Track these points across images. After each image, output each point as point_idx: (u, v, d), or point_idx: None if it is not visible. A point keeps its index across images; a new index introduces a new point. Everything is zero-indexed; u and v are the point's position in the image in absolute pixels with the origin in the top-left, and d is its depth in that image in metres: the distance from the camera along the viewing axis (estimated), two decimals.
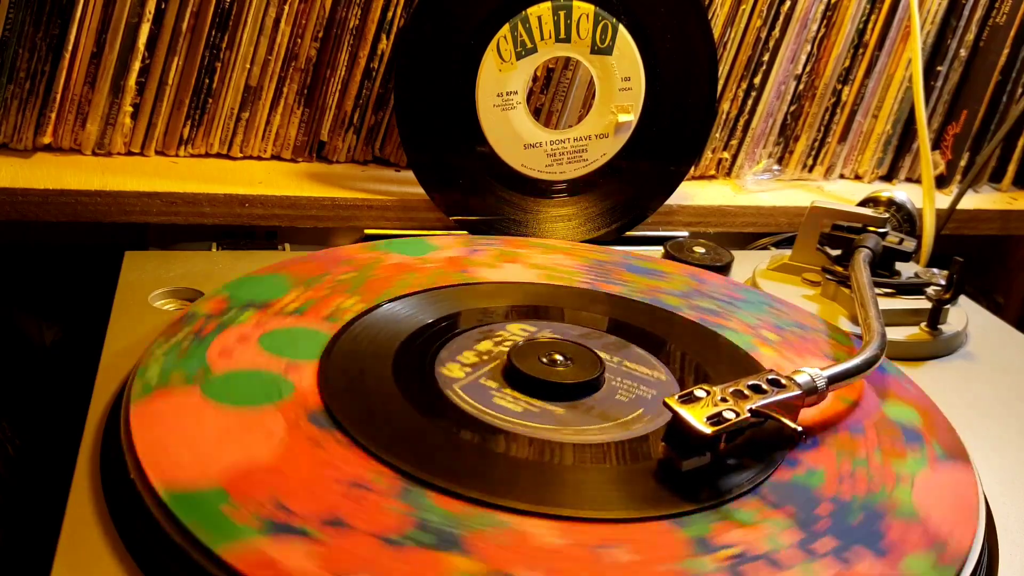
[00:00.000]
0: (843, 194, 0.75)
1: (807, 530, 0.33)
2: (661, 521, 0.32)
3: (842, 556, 0.32)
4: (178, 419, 0.35)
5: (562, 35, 0.61)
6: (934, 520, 0.34)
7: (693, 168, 0.74)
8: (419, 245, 0.54)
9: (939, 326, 0.53)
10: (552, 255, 0.55)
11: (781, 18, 0.70)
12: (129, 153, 0.63)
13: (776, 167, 0.76)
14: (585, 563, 0.30)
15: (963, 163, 0.80)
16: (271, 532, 0.30)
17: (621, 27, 0.61)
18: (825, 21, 0.72)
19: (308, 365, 0.40)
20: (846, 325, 0.52)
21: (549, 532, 0.31)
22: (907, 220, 0.67)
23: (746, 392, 0.36)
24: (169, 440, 0.34)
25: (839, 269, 0.56)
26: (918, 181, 0.80)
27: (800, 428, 0.36)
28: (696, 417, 0.34)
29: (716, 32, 0.68)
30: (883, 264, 0.56)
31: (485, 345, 0.43)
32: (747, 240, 0.72)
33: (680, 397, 0.35)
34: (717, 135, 0.73)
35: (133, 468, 0.33)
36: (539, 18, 0.60)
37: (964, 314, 0.55)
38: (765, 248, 0.70)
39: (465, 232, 0.61)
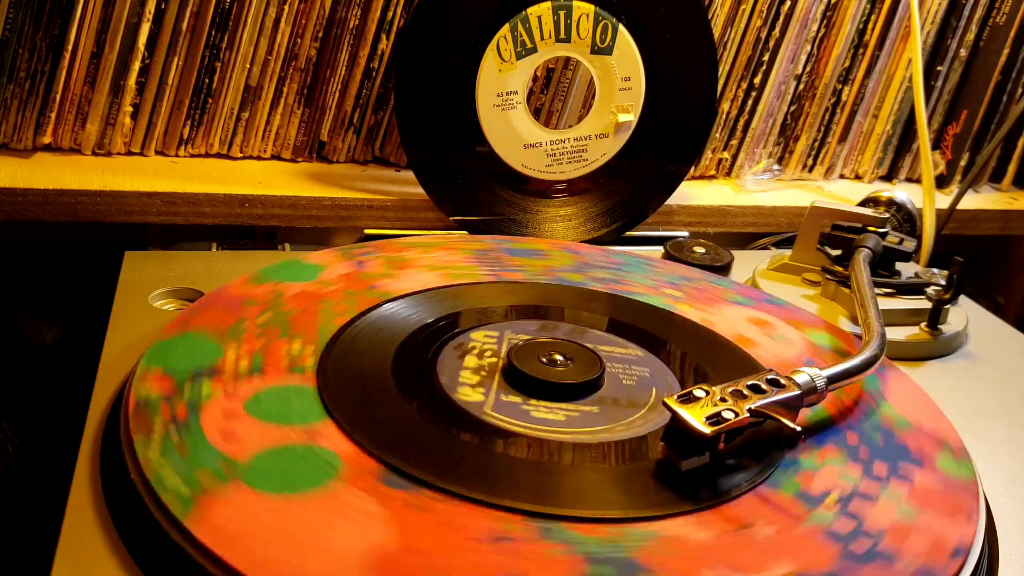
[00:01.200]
0: (843, 194, 0.75)
1: (857, 460, 0.37)
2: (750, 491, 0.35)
3: (899, 474, 0.37)
4: (252, 522, 0.31)
5: (562, 35, 0.61)
6: (925, 424, 0.40)
7: (693, 168, 0.74)
8: (300, 268, 0.50)
9: (939, 326, 0.53)
10: (436, 253, 0.53)
11: (781, 18, 0.70)
12: (129, 153, 0.63)
13: (776, 167, 0.76)
14: (740, 546, 0.32)
15: (963, 163, 0.80)
16: None
17: (621, 27, 0.61)
18: (825, 21, 0.72)
19: (324, 426, 0.36)
20: (846, 325, 0.52)
21: (690, 529, 0.33)
22: (907, 220, 0.67)
23: (745, 392, 0.36)
24: (259, 549, 0.30)
25: (839, 269, 0.56)
26: (918, 181, 0.80)
27: (799, 428, 0.36)
28: (695, 417, 0.34)
29: (716, 32, 0.68)
30: (883, 264, 0.56)
31: (471, 361, 0.42)
32: (747, 240, 0.72)
33: (679, 397, 0.35)
34: (717, 135, 0.73)
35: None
36: (539, 18, 0.60)
37: (964, 314, 0.55)
38: (765, 248, 0.70)
39: (465, 232, 0.61)
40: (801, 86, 0.74)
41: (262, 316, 0.44)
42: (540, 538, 0.31)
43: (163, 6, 0.59)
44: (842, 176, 0.79)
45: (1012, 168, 0.82)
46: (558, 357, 0.42)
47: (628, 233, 0.65)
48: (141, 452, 0.34)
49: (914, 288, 0.55)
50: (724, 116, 0.73)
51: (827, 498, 0.35)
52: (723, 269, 0.59)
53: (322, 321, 0.44)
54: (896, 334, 0.51)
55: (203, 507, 0.31)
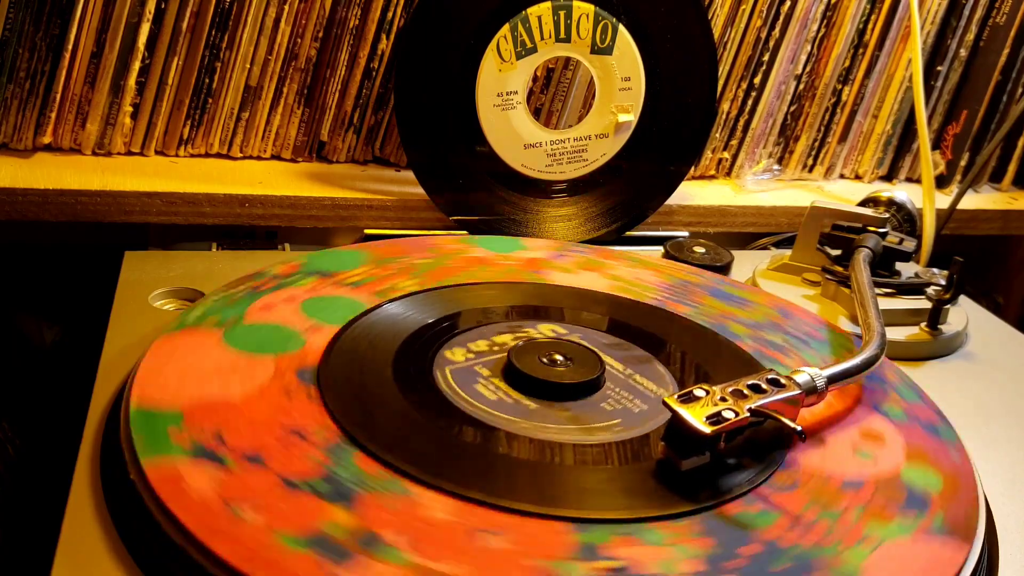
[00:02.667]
0: (843, 194, 0.75)
1: (713, 565, 0.31)
2: (566, 523, 0.32)
3: None
4: (188, 353, 0.39)
5: (562, 35, 0.61)
6: None
7: (693, 168, 0.73)
8: (509, 243, 0.55)
9: (939, 326, 0.53)
10: (637, 269, 0.54)
11: (781, 18, 0.70)
12: (129, 153, 0.63)
13: (776, 167, 0.76)
14: (455, 541, 0.30)
15: (963, 163, 0.80)
16: (195, 455, 0.33)
17: (621, 27, 0.61)
18: (825, 21, 0.72)
19: (331, 329, 0.42)
20: (846, 325, 0.52)
21: (443, 508, 0.32)
22: (907, 220, 0.67)
23: (745, 392, 0.36)
24: (168, 368, 0.37)
25: (839, 269, 0.56)
26: (918, 181, 0.80)
27: (800, 428, 0.35)
28: (695, 416, 0.34)
29: (716, 32, 0.68)
30: (883, 264, 0.56)
31: (504, 338, 0.44)
32: (747, 240, 0.72)
33: (679, 396, 0.35)
34: (717, 135, 0.73)
35: (127, 389, 0.35)
36: (539, 18, 0.60)
37: (964, 314, 0.55)
38: (765, 248, 0.70)
39: (465, 232, 0.61)
40: (801, 86, 0.74)
41: (422, 260, 0.51)
42: (323, 447, 0.34)
43: (163, 6, 0.59)
44: (842, 176, 0.79)
45: (1012, 168, 0.82)
46: (558, 357, 0.42)
47: (628, 233, 0.65)
48: (210, 294, 0.44)
49: (914, 288, 0.55)
50: (724, 116, 0.73)
51: (601, 562, 0.30)
52: (723, 269, 0.59)
53: (457, 278, 0.49)
54: (896, 334, 0.51)
55: (182, 332, 0.40)
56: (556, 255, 0.54)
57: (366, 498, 0.32)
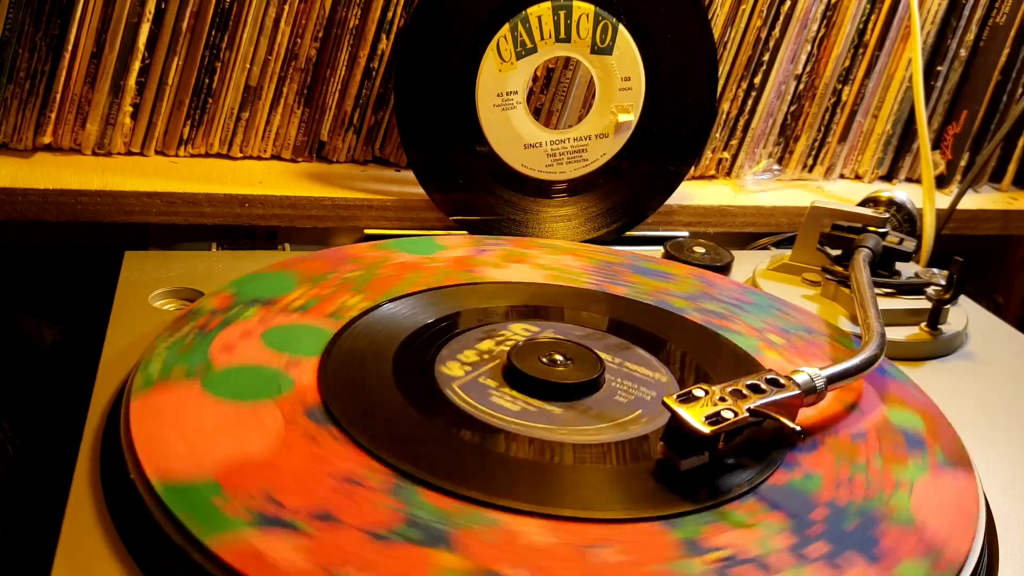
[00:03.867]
0: (843, 194, 0.75)
1: (800, 534, 0.33)
2: (654, 522, 0.32)
3: (833, 561, 0.31)
4: (176, 412, 0.36)
5: (562, 35, 0.61)
6: (931, 527, 0.34)
7: (693, 168, 0.73)
8: (426, 244, 0.54)
9: (939, 326, 0.53)
10: (559, 256, 0.55)
11: (781, 18, 0.70)
12: (129, 153, 0.63)
13: (776, 167, 0.76)
14: (572, 562, 0.30)
15: (963, 163, 0.80)
16: (260, 525, 0.30)
17: (621, 27, 0.61)
18: (825, 21, 0.72)
19: (309, 361, 0.40)
20: (846, 325, 0.52)
21: (539, 531, 0.31)
22: (907, 220, 0.67)
23: (745, 392, 0.36)
24: (166, 433, 0.34)
25: (839, 269, 0.56)
26: (918, 181, 0.80)
27: (799, 428, 0.36)
28: (695, 416, 0.34)
29: (716, 32, 0.68)
30: (883, 264, 0.56)
31: (487, 344, 0.43)
32: (747, 240, 0.72)
33: (679, 396, 0.35)
34: (717, 135, 0.73)
35: (131, 461, 0.33)
36: (539, 18, 0.60)
37: (964, 314, 0.55)
38: (765, 248, 0.70)
39: (464, 232, 0.61)
40: (801, 86, 0.74)
41: (352, 273, 0.48)
42: (384, 491, 0.32)
43: (163, 6, 0.59)
44: (842, 176, 0.79)
45: (1012, 168, 0.82)
46: (558, 357, 0.42)
47: (628, 233, 0.65)
48: (155, 344, 0.40)
49: (914, 288, 0.55)
50: (724, 116, 0.73)
51: (710, 554, 0.31)
52: (723, 269, 0.59)
53: (399, 287, 0.47)
54: (896, 334, 0.51)
55: (155, 390, 0.37)
56: (477, 251, 0.54)
57: (461, 536, 0.31)
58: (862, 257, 0.53)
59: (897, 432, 0.40)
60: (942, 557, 0.33)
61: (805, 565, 0.31)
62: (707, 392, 0.36)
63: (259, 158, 0.66)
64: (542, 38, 0.60)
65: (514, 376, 0.40)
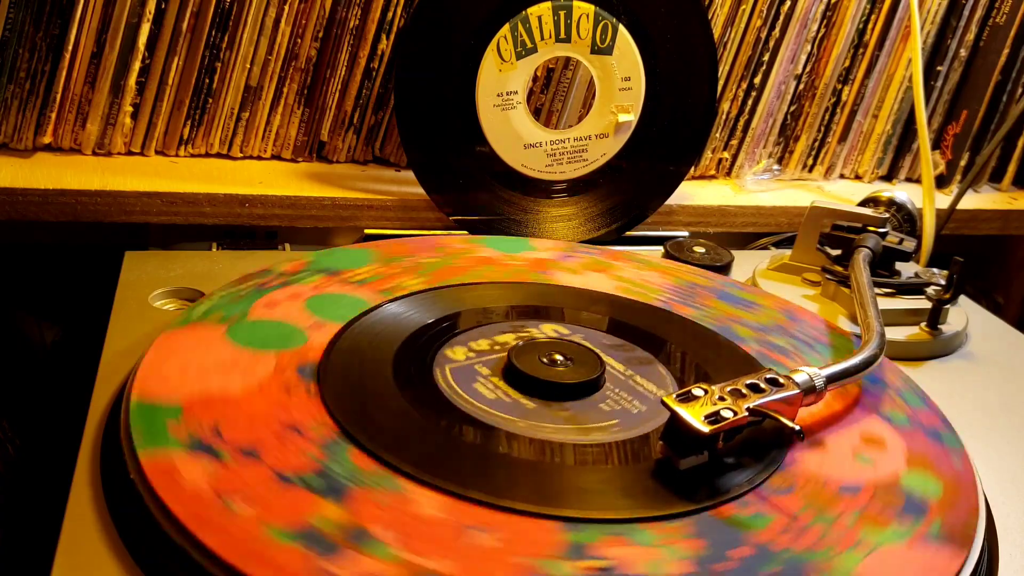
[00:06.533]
0: (843, 194, 0.75)
1: (702, 567, 0.30)
2: (551, 520, 0.32)
3: None
4: (191, 349, 0.39)
5: (562, 35, 0.61)
6: None
7: (693, 168, 0.73)
8: (518, 243, 0.55)
9: (939, 326, 0.53)
10: (643, 271, 0.54)
11: (781, 18, 0.70)
12: (129, 153, 0.63)
13: (776, 167, 0.76)
14: (444, 536, 0.30)
15: (963, 163, 0.80)
16: (191, 448, 0.33)
17: (621, 27, 0.61)
18: (825, 21, 0.72)
19: (334, 327, 0.42)
20: (846, 325, 0.52)
21: (433, 505, 0.32)
22: (907, 220, 0.67)
23: (744, 391, 0.36)
24: (171, 363, 0.38)
25: (839, 269, 0.56)
26: (918, 181, 0.80)
27: (798, 427, 0.36)
28: (694, 416, 0.34)
29: (716, 32, 0.68)
30: (883, 264, 0.56)
31: (506, 337, 0.44)
32: (747, 240, 0.72)
33: (678, 396, 0.35)
34: (717, 135, 0.73)
35: (129, 383, 0.36)
36: (539, 18, 0.60)
37: (964, 314, 0.55)
38: (765, 248, 0.70)
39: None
40: (801, 86, 0.74)
41: (429, 259, 0.51)
42: (319, 443, 0.34)
43: (163, 6, 0.59)
44: (842, 176, 0.79)
45: (1012, 168, 0.82)
46: (558, 357, 0.42)
47: (628, 233, 0.65)
48: (215, 291, 0.44)
49: (914, 288, 0.55)
50: (724, 116, 0.73)
51: (590, 561, 0.30)
52: (723, 269, 0.59)
53: (461, 277, 0.49)
54: (896, 334, 0.51)
55: (187, 328, 0.40)
56: (563, 256, 0.54)
57: (357, 493, 0.32)
58: (862, 257, 0.53)
59: (900, 495, 0.36)
60: None
61: None
62: (706, 391, 0.36)
63: (259, 158, 0.66)
64: (542, 38, 0.60)
65: (509, 370, 0.41)
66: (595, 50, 0.61)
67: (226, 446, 0.33)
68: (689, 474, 0.35)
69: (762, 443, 0.37)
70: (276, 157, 0.66)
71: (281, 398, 0.37)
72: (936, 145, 0.80)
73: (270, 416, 0.35)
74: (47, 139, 0.61)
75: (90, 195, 0.58)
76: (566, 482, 0.35)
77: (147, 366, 0.37)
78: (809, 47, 0.73)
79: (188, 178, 0.61)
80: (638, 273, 0.54)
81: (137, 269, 0.52)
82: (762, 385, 0.37)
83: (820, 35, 0.72)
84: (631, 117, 0.63)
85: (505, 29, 0.59)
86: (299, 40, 0.63)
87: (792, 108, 0.74)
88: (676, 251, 0.60)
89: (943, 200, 0.73)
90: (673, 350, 0.45)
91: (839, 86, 0.75)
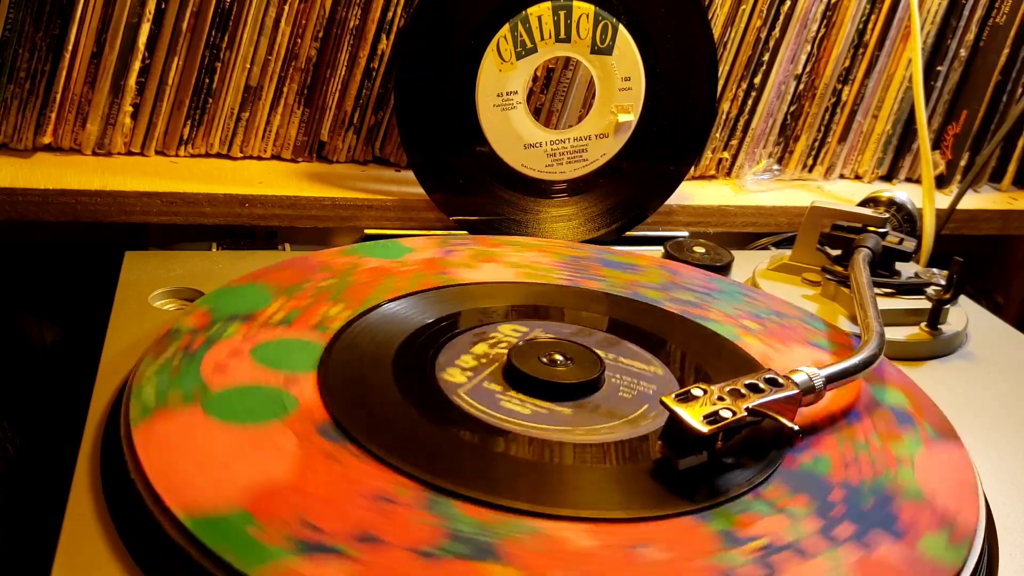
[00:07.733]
0: (843, 194, 0.75)
1: (825, 516, 0.33)
2: (683, 517, 0.33)
3: (862, 541, 0.32)
4: (184, 440, 0.34)
5: (562, 35, 0.61)
6: (940, 500, 0.35)
7: (693, 168, 0.74)
8: (394, 248, 0.53)
9: (939, 326, 0.53)
10: (527, 252, 0.54)
11: (781, 18, 0.70)
12: (129, 153, 0.63)
13: (776, 167, 0.76)
14: (620, 563, 0.30)
15: (963, 163, 0.80)
16: (304, 552, 0.29)
17: (621, 27, 0.61)
18: (825, 21, 0.72)
19: (306, 377, 0.39)
20: (846, 325, 0.52)
21: (580, 535, 0.31)
22: (907, 220, 0.67)
23: (743, 391, 0.36)
24: (180, 463, 0.33)
25: (839, 269, 0.56)
26: (918, 181, 0.80)
27: (797, 427, 0.36)
28: (693, 416, 0.34)
29: (716, 32, 0.68)
30: (883, 264, 0.56)
31: (481, 348, 0.43)
32: (747, 240, 0.72)
33: (677, 396, 0.35)
34: (717, 135, 0.73)
35: (148, 496, 0.32)
36: (539, 18, 0.60)
37: (964, 314, 0.55)
38: (765, 248, 0.70)
39: (464, 231, 0.61)
40: (801, 86, 0.74)
41: (327, 281, 0.48)
42: (420, 507, 0.32)
43: (163, 6, 0.59)
44: (842, 176, 0.79)
45: (1012, 168, 0.82)
46: (558, 357, 0.42)
47: (628, 233, 0.65)
48: (142, 370, 0.38)
49: (914, 288, 0.55)
50: (724, 116, 0.73)
51: (749, 543, 0.32)
52: (723, 269, 0.59)
53: (377, 294, 0.47)
54: (896, 334, 0.52)
55: (155, 419, 0.35)
56: (444, 252, 0.53)
57: (507, 546, 0.30)
58: (862, 257, 0.53)
59: (886, 410, 0.41)
60: (956, 529, 0.34)
61: (837, 547, 0.32)
62: (705, 391, 0.36)
63: (259, 158, 0.66)
64: (542, 38, 0.60)
65: (516, 377, 0.40)
66: (595, 50, 0.61)
67: (336, 539, 0.30)
68: (688, 474, 0.35)
69: (761, 443, 0.37)
70: (276, 157, 0.66)
71: (336, 469, 0.33)
72: (936, 145, 0.80)
73: (345, 491, 0.32)
74: (47, 139, 0.61)
75: (90, 195, 0.58)
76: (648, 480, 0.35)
77: (159, 474, 0.32)
78: (809, 47, 0.73)
79: (188, 178, 0.61)
80: (523, 256, 0.54)
81: (137, 269, 0.52)
82: (761, 385, 0.37)
83: (820, 35, 0.72)
84: (631, 117, 0.63)
85: (505, 29, 0.60)
86: (299, 40, 0.63)
87: (792, 108, 0.74)
88: (676, 251, 0.60)
89: (943, 200, 0.73)
90: (617, 330, 0.47)
91: (839, 86, 0.75)
